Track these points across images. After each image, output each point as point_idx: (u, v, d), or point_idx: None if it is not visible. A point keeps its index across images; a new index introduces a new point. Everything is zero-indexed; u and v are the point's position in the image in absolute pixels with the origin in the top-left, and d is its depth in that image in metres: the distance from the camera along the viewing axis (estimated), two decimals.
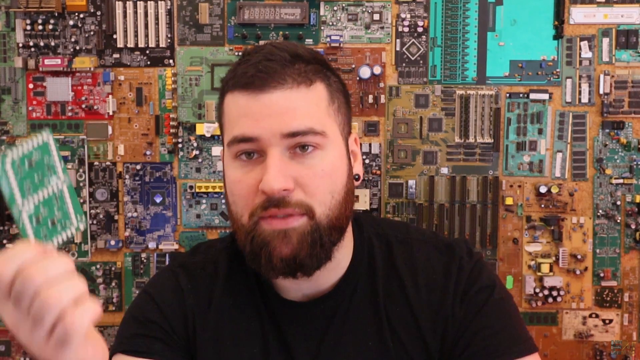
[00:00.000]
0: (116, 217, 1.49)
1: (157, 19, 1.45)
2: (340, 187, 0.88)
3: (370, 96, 1.45)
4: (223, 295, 0.96)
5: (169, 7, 1.45)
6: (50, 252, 0.64)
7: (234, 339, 0.94)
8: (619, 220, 1.47)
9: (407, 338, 0.93)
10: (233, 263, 0.98)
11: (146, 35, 1.46)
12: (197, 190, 1.47)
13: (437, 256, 0.96)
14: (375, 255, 0.96)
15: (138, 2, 1.45)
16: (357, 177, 0.94)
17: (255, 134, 0.84)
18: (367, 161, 1.46)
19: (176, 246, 1.48)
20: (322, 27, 1.45)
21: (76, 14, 1.45)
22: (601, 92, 1.44)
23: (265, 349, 0.93)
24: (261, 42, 1.44)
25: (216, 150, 1.47)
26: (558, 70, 1.45)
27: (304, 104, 0.86)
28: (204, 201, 1.48)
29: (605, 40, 1.44)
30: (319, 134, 0.85)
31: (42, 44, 1.46)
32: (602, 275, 1.47)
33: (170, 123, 1.46)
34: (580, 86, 1.45)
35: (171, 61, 1.47)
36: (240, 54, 1.45)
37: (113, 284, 1.49)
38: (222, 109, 0.91)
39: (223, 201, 1.48)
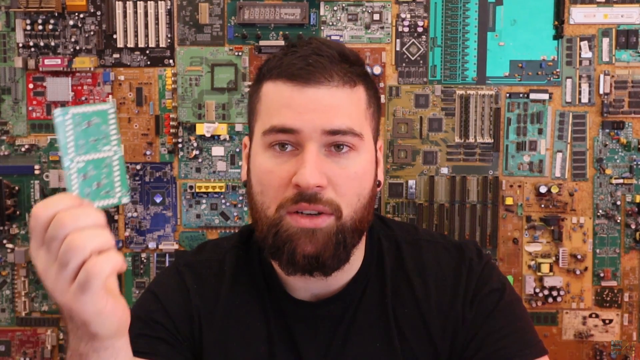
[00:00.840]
0: (116, 217, 1.49)
1: (157, 19, 1.45)
2: (367, 190, 0.88)
3: None
4: (229, 294, 0.96)
5: (169, 7, 1.45)
6: (86, 204, 0.66)
7: (240, 338, 0.94)
8: (619, 220, 1.47)
9: (415, 339, 0.92)
10: (240, 262, 0.97)
11: (146, 35, 1.46)
12: (197, 190, 1.47)
13: (446, 257, 0.96)
14: (384, 257, 0.96)
15: (138, 2, 1.45)
16: (378, 183, 0.94)
17: (296, 126, 0.83)
18: None
19: (176, 246, 1.48)
20: (322, 27, 1.45)
21: (76, 14, 1.45)
22: (601, 92, 1.44)
23: (272, 349, 0.93)
24: (265, 42, 1.45)
25: (216, 150, 1.47)
26: (558, 70, 1.45)
27: (347, 104, 0.86)
28: (204, 201, 1.48)
29: (605, 40, 1.44)
30: (357, 136, 0.85)
31: (42, 44, 1.46)
32: (602, 275, 1.47)
33: (170, 123, 1.46)
34: (580, 86, 1.45)
35: (171, 61, 1.47)
36: (239, 54, 1.45)
37: None
38: (257, 96, 0.90)
39: (223, 201, 1.48)
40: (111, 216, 1.48)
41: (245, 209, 1.49)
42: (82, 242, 0.63)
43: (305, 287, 0.92)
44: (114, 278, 0.69)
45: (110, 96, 1.46)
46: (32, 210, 0.66)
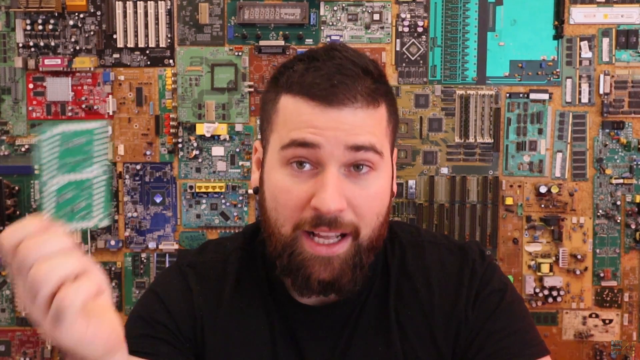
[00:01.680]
0: (116, 217, 1.49)
1: (157, 19, 1.45)
2: (385, 209, 0.86)
3: None
4: (233, 296, 0.95)
5: (169, 7, 1.45)
6: (52, 229, 0.64)
7: (243, 341, 0.93)
8: (619, 220, 1.47)
9: (418, 341, 0.92)
10: (244, 264, 0.97)
11: (146, 35, 1.46)
12: (197, 190, 1.47)
13: (449, 259, 0.96)
14: (388, 259, 0.95)
15: (138, 2, 1.45)
16: (392, 194, 0.93)
17: (317, 141, 0.80)
18: None
19: (176, 246, 1.48)
20: (322, 27, 1.45)
21: (76, 14, 1.45)
22: (601, 92, 1.44)
23: (275, 352, 0.92)
24: (265, 42, 1.45)
25: (216, 150, 1.47)
26: (558, 70, 1.45)
27: (370, 123, 0.83)
28: (204, 201, 1.48)
29: (605, 40, 1.44)
30: (378, 154, 0.83)
31: (42, 44, 1.46)
32: (602, 275, 1.47)
33: (170, 123, 1.46)
34: (580, 86, 1.45)
35: (171, 61, 1.47)
36: (239, 54, 1.45)
37: (113, 284, 1.49)
38: (274, 107, 0.86)
39: (223, 201, 1.48)
40: (111, 216, 1.48)
41: (246, 209, 1.49)
42: (45, 274, 0.61)
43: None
44: (103, 296, 0.66)
45: (110, 96, 1.46)
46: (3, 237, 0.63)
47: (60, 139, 0.65)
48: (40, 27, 1.45)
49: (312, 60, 0.85)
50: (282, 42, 1.45)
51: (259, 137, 0.93)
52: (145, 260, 1.49)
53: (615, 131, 1.45)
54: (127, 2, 1.45)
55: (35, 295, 0.61)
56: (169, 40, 1.46)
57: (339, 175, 0.81)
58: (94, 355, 0.66)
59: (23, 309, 0.66)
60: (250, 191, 1.47)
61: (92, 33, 1.46)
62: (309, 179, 0.82)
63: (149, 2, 1.45)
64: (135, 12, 1.45)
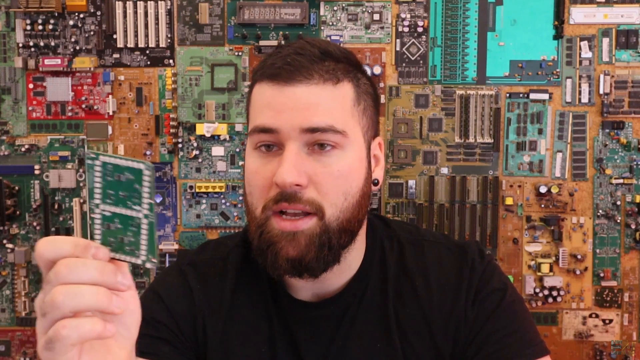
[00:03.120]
0: None
1: (157, 19, 1.45)
2: (355, 189, 0.86)
3: None
4: (233, 293, 0.95)
5: (169, 7, 1.45)
6: (93, 254, 0.62)
7: (242, 338, 0.94)
8: (619, 220, 1.47)
9: (416, 340, 0.92)
10: (243, 261, 0.97)
11: (146, 35, 1.46)
12: (197, 190, 1.47)
13: (448, 257, 0.96)
14: (387, 257, 0.95)
15: (138, 2, 1.45)
16: (375, 182, 0.93)
17: (275, 126, 0.84)
18: None
19: (176, 246, 1.48)
20: (322, 27, 1.45)
21: (76, 14, 1.45)
22: (601, 92, 1.44)
23: (274, 349, 0.93)
24: (265, 42, 1.45)
25: (216, 150, 1.47)
26: (558, 70, 1.45)
27: (328, 101, 0.85)
28: (204, 201, 1.48)
29: (605, 40, 1.44)
30: (339, 133, 0.84)
31: (42, 44, 1.46)
32: (602, 275, 1.47)
33: (170, 123, 1.46)
34: (580, 86, 1.45)
35: (171, 61, 1.47)
36: (239, 54, 1.45)
37: None
38: (249, 98, 0.91)
39: (223, 201, 1.48)
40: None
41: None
42: (61, 300, 0.59)
43: (305, 287, 0.92)
44: (120, 340, 0.65)
45: (110, 96, 1.46)
46: (36, 244, 0.62)
47: (113, 170, 0.63)
48: (40, 27, 1.45)
49: (277, 49, 0.91)
50: (282, 42, 1.45)
51: None
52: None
53: (615, 131, 1.45)
54: (127, 2, 1.45)
55: (44, 314, 0.61)
56: (169, 40, 1.46)
57: (298, 152, 0.83)
58: None
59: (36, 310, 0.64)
60: None
61: (92, 33, 1.46)
62: (274, 159, 0.85)
63: (149, 2, 1.45)
64: (135, 12, 1.45)
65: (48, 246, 0.62)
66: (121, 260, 0.64)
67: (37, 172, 1.48)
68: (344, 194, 0.85)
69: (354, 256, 0.92)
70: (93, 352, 0.64)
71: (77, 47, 1.46)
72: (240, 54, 1.46)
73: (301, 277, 0.86)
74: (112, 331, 0.62)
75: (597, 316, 1.48)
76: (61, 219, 1.48)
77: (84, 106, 1.47)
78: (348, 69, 0.89)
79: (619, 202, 1.46)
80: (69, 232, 1.48)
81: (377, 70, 1.44)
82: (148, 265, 0.64)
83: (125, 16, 1.45)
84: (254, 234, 0.86)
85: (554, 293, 1.46)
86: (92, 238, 0.65)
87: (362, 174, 0.88)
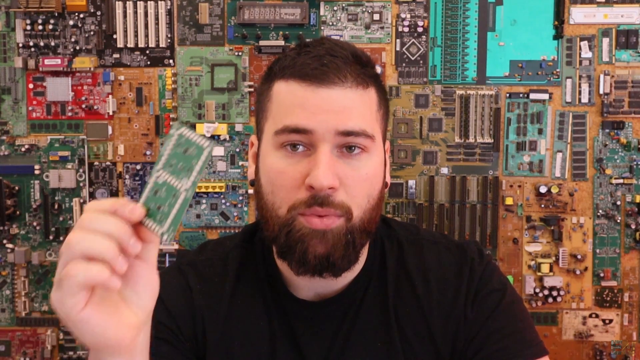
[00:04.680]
0: None
1: (157, 19, 1.45)
2: (377, 192, 0.87)
3: None
4: (233, 293, 0.95)
5: (169, 7, 1.45)
6: (130, 209, 0.65)
7: (243, 337, 0.94)
8: (619, 220, 1.47)
9: (416, 339, 0.92)
10: (243, 261, 0.97)
11: (146, 35, 1.46)
12: (197, 190, 1.47)
13: (448, 257, 0.96)
14: (386, 257, 0.96)
15: (138, 2, 1.45)
16: (385, 184, 0.94)
17: (310, 127, 0.83)
18: None
19: (176, 246, 1.48)
20: (322, 27, 1.45)
21: (76, 14, 1.46)
22: (601, 92, 1.44)
23: (275, 348, 0.93)
24: (265, 42, 1.45)
25: (216, 150, 1.47)
26: (558, 70, 1.45)
27: (360, 105, 0.85)
28: (204, 201, 1.48)
29: (605, 40, 1.44)
30: (370, 137, 0.85)
31: (42, 44, 1.46)
32: (602, 275, 1.47)
33: (170, 123, 1.46)
34: (580, 86, 1.45)
35: (171, 61, 1.47)
36: (239, 54, 1.45)
37: None
38: (268, 95, 0.89)
39: (223, 201, 1.48)
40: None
41: (246, 209, 1.49)
42: (75, 241, 0.63)
43: (308, 287, 0.92)
44: (134, 296, 0.67)
45: (110, 96, 1.46)
46: (86, 205, 0.65)
47: (183, 142, 0.68)
48: (40, 27, 1.45)
49: (304, 47, 0.88)
50: (282, 42, 1.45)
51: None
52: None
53: (615, 131, 1.45)
54: (127, 2, 1.45)
55: (60, 254, 0.64)
56: (169, 40, 1.46)
57: (331, 155, 0.83)
58: (93, 342, 0.66)
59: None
60: (251, 191, 1.47)
61: (92, 33, 1.46)
62: (303, 160, 0.84)
63: (149, 2, 1.45)
64: (135, 12, 1.45)
65: (94, 203, 0.66)
66: (148, 226, 0.68)
67: (37, 172, 1.48)
68: (368, 197, 0.86)
69: (360, 257, 0.92)
70: (101, 306, 0.65)
71: (77, 47, 1.46)
72: (240, 54, 1.46)
73: (321, 275, 0.86)
74: (118, 284, 0.64)
75: (597, 316, 1.48)
76: (61, 219, 1.48)
77: (84, 106, 1.47)
78: (373, 74, 0.89)
79: (619, 202, 1.46)
80: (68, 232, 1.48)
81: (377, 70, 1.44)
82: (164, 237, 0.68)
83: (125, 16, 1.45)
84: (277, 233, 0.86)
85: (554, 293, 1.46)
86: (140, 197, 0.69)
87: (382, 177, 0.90)
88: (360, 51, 0.89)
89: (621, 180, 1.46)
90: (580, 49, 1.45)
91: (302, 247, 0.84)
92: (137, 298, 0.68)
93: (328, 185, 0.81)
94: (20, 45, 1.46)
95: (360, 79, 0.86)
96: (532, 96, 1.45)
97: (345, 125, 0.83)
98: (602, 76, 1.44)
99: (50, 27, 1.45)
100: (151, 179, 0.68)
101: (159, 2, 1.45)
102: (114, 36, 1.46)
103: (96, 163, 1.48)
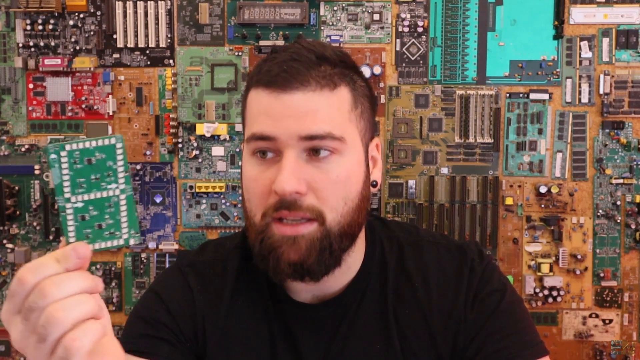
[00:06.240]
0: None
1: (157, 19, 1.45)
2: (355, 194, 0.86)
3: None
4: (232, 295, 0.95)
5: (169, 7, 1.45)
6: (73, 265, 0.62)
7: (242, 339, 0.94)
8: (619, 220, 1.47)
9: (416, 340, 0.92)
10: (243, 263, 0.97)
11: (146, 35, 1.46)
12: (197, 190, 1.47)
13: (448, 258, 0.96)
14: (386, 258, 0.96)
15: (138, 2, 1.45)
16: (374, 183, 0.93)
17: (273, 134, 0.83)
18: None
19: (176, 246, 1.48)
20: (322, 27, 1.45)
21: (76, 14, 1.45)
22: (601, 92, 1.44)
23: (274, 351, 0.93)
24: (265, 42, 1.45)
25: (216, 150, 1.47)
26: (558, 70, 1.45)
27: (325, 108, 0.84)
28: (204, 201, 1.48)
29: (605, 40, 1.44)
30: (337, 139, 0.84)
31: (42, 44, 1.46)
32: (602, 275, 1.47)
33: (170, 123, 1.46)
34: (580, 86, 1.45)
35: (171, 61, 1.47)
36: (239, 54, 1.45)
37: (113, 284, 1.49)
38: (245, 103, 0.91)
39: (223, 201, 1.48)
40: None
41: None
42: (63, 315, 0.59)
43: (305, 289, 0.92)
44: (108, 334, 0.65)
45: (110, 96, 1.46)
46: (17, 273, 0.61)
47: (80, 155, 0.62)
48: (40, 27, 1.45)
49: (273, 53, 0.89)
50: (282, 42, 1.45)
51: None
52: (145, 261, 1.49)
53: (615, 131, 1.45)
54: (127, 2, 1.45)
55: (44, 338, 0.60)
56: (169, 40, 1.46)
57: (297, 160, 0.83)
58: None
59: (21, 350, 0.62)
60: None
61: (92, 33, 1.46)
62: (272, 167, 0.84)
63: (149, 2, 1.45)
64: (135, 12, 1.45)
65: (32, 271, 0.61)
66: (102, 249, 0.63)
67: (37, 172, 1.48)
68: (344, 199, 0.85)
69: (354, 258, 0.92)
70: (98, 354, 0.64)
71: (77, 47, 1.46)
72: (240, 54, 1.46)
73: (303, 280, 0.86)
74: (108, 327, 0.64)
75: (597, 316, 1.48)
76: (61, 219, 1.48)
77: (84, 106, 1.47)
78: (344, 73, 0.88)
79: (619, 202, 1.46)
80: None
81: (377, 70, 1.44)
82: (132, 241, 0.64)
83: (125, 16, 1.45)
84: (254, 240, 0.86)
85: (554, 293, 1.46)
86: (66, 236, 0.64)
87: (360, 178, 0.88)
88: (331, 50, 0.88)
89: (621, 180, 1.46)
90: (580, 49, 1.45)
91: (275, 255, 0.84)
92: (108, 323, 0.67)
93: (291, 190, 0.81)
94: (20, 45, 1.46)
95: (326, 81, 0.85)
96: (532, 96, 1.45)
97: (308, 130, 0.83)
98: (602, 76, 1.44)
99: (50, 27, 1.45)
100: (66, 211, 0.62)
101: (159, 2, 1.45)
102: (114, 36, 1.46)
103: None
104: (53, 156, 0.61)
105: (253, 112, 0.87)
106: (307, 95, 0.84)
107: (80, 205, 0.62)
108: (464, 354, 0.91)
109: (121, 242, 0.63)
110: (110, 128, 1.47)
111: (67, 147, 0.61)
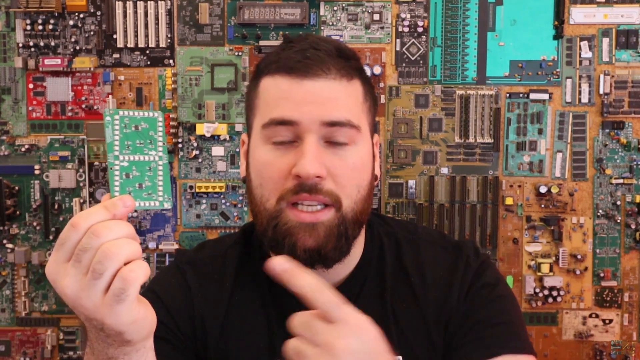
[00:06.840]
0: None
1: (157, 19, 1.45)
2: (366, 182, 0.89)
3: None
4: (232, 290, 0.96)
5: (169, 7, 1.45)
6: (120, 214, 0.66)
7: (241, 333, 0.94)
8: (619, 220, 1.47)
9: (412, 334, 0.93)
10: (242, 257, 0.98)
11: (146, 35, 1.46)
12: (197, 190, 1.47)
13: (444, 255, 0.97)
14: (385, 253, 0.97)
15: (138, 2, 1.45)
16: (375, 176, 0.95)
17: (295, 118, 0.84)
18: None
19: (176, 246, 1.48)
20: (322, 27, 1.45)
21: (76, 14, 1.46)
22: (601, 92, 1.44)
23: (273, 343, 0.93)
24: (265, 42, 1.45)
25: (216, 150, 1.47)
26: (558, 70, 1.45)
27: (344, 96, 0.87)
28: (204, 201, 1.48)
29: (605, 40, 1.44)
30: (355, 128, 0.86)
31: (42, 44, 1.46)
32: (602, 275, 1.47)
33: (170, 123, 1.46)
34: (580, 86, 1.45)
35: (171, 61, 1.47)
36: (239, 54, 1.45)
37: None
38: (256, 92, 0.91)
39: (223, 201, 1.48)
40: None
41: (246, 209, 1.49)
42: (117, 250, 0.63)
43: None
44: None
45: (110, 96, 1.46)
46: (71, 220, 0.65)
47: (129, 121, 0.70)
48: (40, 27, 1.45)
49: (288, 42, 0.90)
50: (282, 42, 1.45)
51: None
52: (145, 260, 1.49)
53: (615, 131, 1.45)
54: (127, 2, 1.45)
55: (100, 274, 0.63)
56: (169, 40, 1.46)
57: (318, 145, 0.84)
58: (140, 336, 0.68)
59: (74, 297, 0.65)
60: None
61: (92, 33, 1.46)
62: (290, 151, 0.85)
63: (149, 2, 1.45)
64: (135, 12, 1.45)
65: (85, 217, 0.65)
66: (139, 209, 0.70)
67: (37, 172, 1.48)
68: (357, 187, 0.87)
69: (356, 249, 0.93)
70: (142, 302, 0.69)
71: (77, 47, 1.46)
72: (240, 54, 1.46)
73: (314, 267, 0.86)
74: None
75: (597, 316, 1.48)
76: (61, 219, 1.48)
77: (84, 106, 1.47)
78: (358, 67, 0.91)
79: (619, 202, 1.46)
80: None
81: (377, 70, 1.44)
82: (166, 205, 0.71)
83: (125, 16, 1.45)
84: (265, 225, 0.87)
85: (554, 293, 1.46)
86: (112, 191, 0.70)
87: (370, 168, 0.91)
88: (344, 45, 0.91)
89: (621, 180, 1.46)
90: (580, 49, 1.45)
91: (290, 241, 0.84)
92: None
93: (315, 173, 0.82)
94: (20, 45, 1.46)
95: (344, 71, 0.87)
96: (532, 96, 1.45)
97: (330, 116, 0.84)
98: (602, 76, 1.44)
99: (50, 27, 1.45)
100: (114, 167, 0.69)
101: (159, 2, 1.45)
102: (114, 36, 1.46)
103: (96, 163, 1.48)
104: (108, 118, 0.70)
105: (270, 98, 0.87)
106: (328, 83, 0.85)
107: (125, 164, 0.70)
108: (451, 342, 0.92)
109: (157, 204, 0.71)
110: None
111: (120, 112, 0.70)
